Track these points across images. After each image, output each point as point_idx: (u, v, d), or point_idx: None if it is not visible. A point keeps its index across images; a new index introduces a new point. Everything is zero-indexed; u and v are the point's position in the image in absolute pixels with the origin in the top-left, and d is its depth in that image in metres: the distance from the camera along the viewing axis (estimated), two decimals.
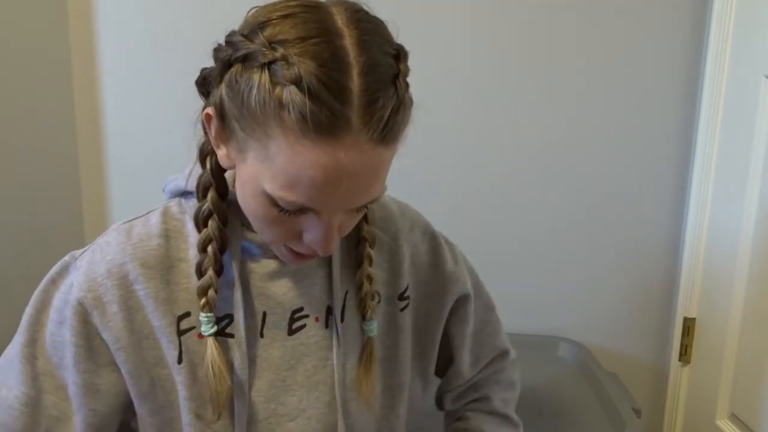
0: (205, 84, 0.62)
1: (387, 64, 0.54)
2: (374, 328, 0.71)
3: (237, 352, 0.66)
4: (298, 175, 0.53)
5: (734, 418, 1.29)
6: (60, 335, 0.65)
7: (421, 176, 1.43)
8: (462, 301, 0.81)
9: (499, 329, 0.88)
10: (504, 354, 0.88)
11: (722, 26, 1.29)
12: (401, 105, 0.54)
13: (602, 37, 1.37)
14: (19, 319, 0.67)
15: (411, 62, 0.58)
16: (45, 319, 0.66)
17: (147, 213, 0.70)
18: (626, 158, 1.41)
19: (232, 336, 0.67)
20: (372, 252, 0.71)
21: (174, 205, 0.69)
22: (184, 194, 0.69)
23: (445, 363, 0.84)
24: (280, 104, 0.51)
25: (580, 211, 1.44)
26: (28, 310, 0.67)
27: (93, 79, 1.46)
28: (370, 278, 0.70)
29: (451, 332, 0.82)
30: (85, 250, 0.68)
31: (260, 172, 0.55)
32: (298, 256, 0.63)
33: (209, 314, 0.64)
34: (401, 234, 0.76)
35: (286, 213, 0.57)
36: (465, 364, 0.84)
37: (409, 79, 0.57)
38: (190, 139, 0.67)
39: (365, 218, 0.71)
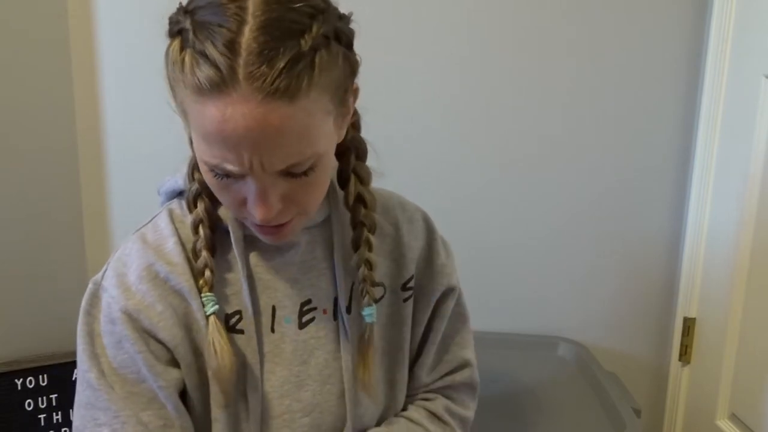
0: None
1: (292, 20, 0.53)
2: (372, 314, 0.70)
3: (248, 347, 0.66)
4: (205, 133, 0.54)
5: (734, 418, 1.29)
6: (123, 352, 0.64)
7: (421, 174, 1.43)
8: (447, 294, 0.79)
9: (467, 343, 0.83)
10: (465, 365, 0.83)
11: (722, 26, 1.29)
12: (302, 58, 0.52)
13: (602, 37, 1.37)
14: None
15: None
16: (100, 349, 0.65)
17: (152, 219, 0.70)
18: (626, 158, 1.41)
19: (242, 332, 0.67)
20: (371, 237, 0.70)
21: (176, 207, 0.70)
22: (181, 194, 0.70)
23: (416, 355, 0.81)
24: (182, 67, 0.53)
25: (580, 211, 1.44)
26: (80, 350, 0.65)
27: (93, 79, 1.46)
28: (369, 263, 0.70)
29: (429, 326, 0.80)
30: (105, 270, 0.67)
31: (192, 137, 0.58)
32: (262, 229, 0.62)
33: (209, 294, 0.64)
34: (402, 225, 0.76)
35: (221, 178, 0.57)
36: (426, 365, 0.80)
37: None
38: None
39: (364, 203, 0.70)
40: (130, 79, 1.46)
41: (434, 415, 0.79)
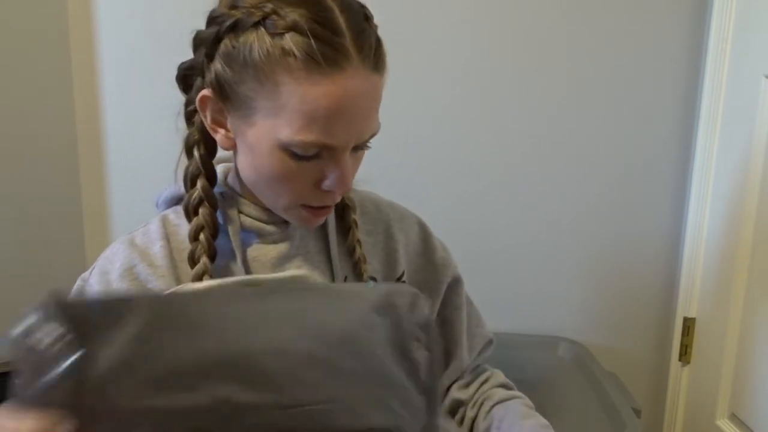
0: (186, 77, 0.66)
1: (357, 5, 0.61)
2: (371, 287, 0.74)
3: None
4: (313, 111, 0.57)
5: (734, 418, 1.29)
6: None
7: (421, 174, 1.43)
8: (454, 285, 0.83)
9: (482, 321, 0.90)
10: (491, 342, 0.90)
11: (722, 26, 1.29)
12: (379, 39, 0.61)
13: (602, 37, 1.37)
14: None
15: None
16: None
17: (145, 224, 0.71)
18: (626, 158, 1.41)
19: None
20: (356, 217, 0.75)
21: (171, 212, 0.71)
22: (180, 201, 0.71)
23: (445, 356, 0.84)
24: (284, 51, 0.56)
25: (579, 211, 1.44)
26: None
27: (93, 79, 1.46)
28: (359, 242, 0.75)
29: (450, 319, 0.83)
30: (92, 268, 0.69)
31: (273, 125, 0.59)
32: (316, 212, 0.66)
33: None
34: (393, 223, 0.80)
35: (303, 161, 0.60)
36: (465, 349, 0.84)
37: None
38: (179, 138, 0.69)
39: None
40: (130, 79, 1.46)
41: (507, 386, 0.88)
